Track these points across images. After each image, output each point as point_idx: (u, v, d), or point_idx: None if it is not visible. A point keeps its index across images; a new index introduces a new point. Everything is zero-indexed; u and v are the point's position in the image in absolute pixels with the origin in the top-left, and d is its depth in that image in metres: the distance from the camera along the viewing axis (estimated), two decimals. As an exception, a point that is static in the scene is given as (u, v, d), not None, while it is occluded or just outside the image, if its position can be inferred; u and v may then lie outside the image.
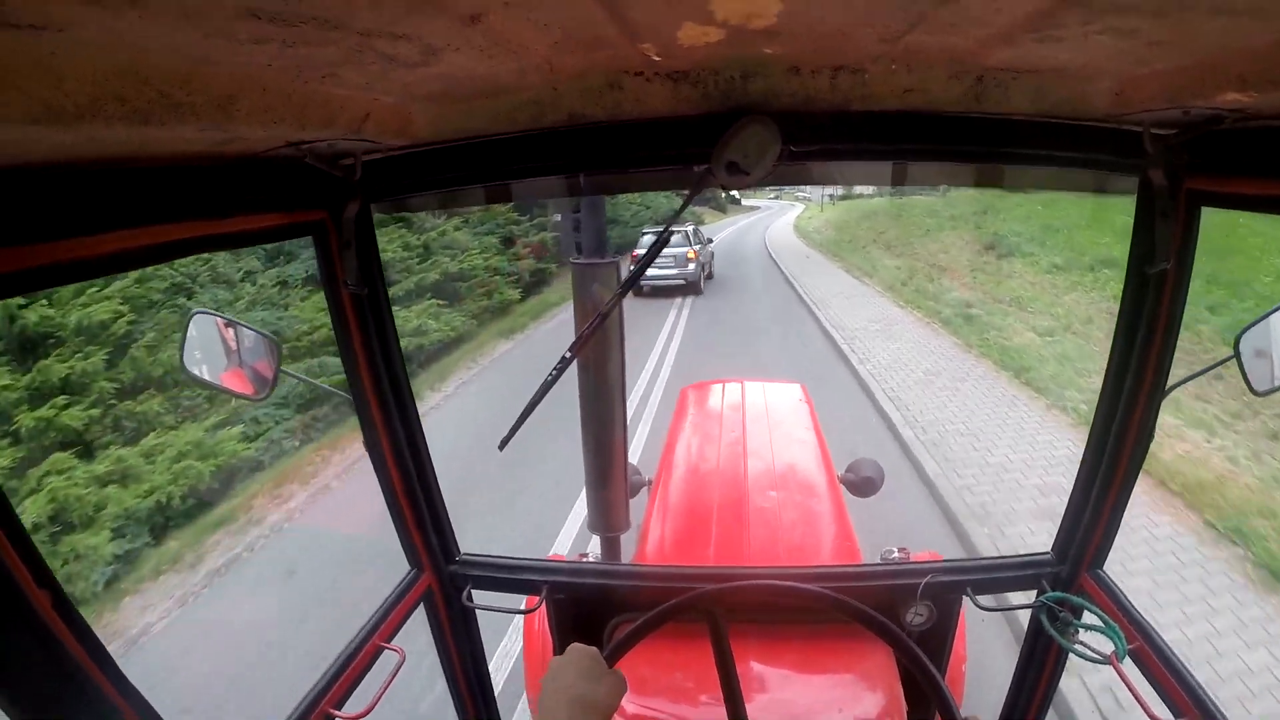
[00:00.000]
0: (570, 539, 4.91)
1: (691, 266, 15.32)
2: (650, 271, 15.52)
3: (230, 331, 1.33)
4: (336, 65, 0.63)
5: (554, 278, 16.93)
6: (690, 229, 17.00)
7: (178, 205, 0.83)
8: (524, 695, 3.02)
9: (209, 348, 1.31)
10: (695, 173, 1.02)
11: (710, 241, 18.27)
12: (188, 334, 1.30)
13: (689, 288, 15.39)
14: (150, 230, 0.80)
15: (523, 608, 1.60)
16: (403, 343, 1.36)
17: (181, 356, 1.30)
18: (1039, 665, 1.51)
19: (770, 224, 41.49)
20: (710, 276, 17.25)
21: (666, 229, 1.07)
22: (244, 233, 0.97)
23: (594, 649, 0.99)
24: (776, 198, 79.25)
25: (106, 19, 0.42)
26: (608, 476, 1.80)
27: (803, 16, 0.61)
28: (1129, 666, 1.22)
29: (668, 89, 0.85)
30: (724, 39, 0.66)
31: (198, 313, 1.32)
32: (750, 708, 1.23)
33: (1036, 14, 0.58)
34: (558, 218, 16.07)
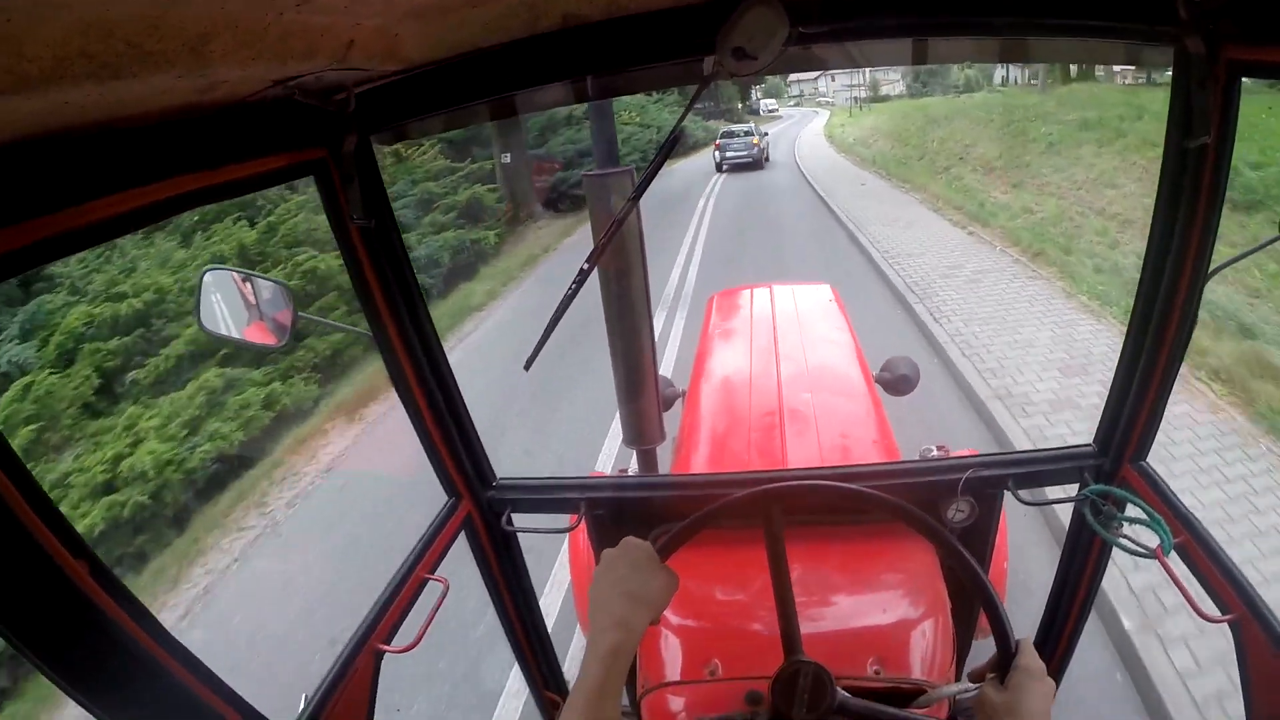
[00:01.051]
0: (611, 457, 4.97)
1: (756, 150, 22.99)
2: (728, 154, 23.53)
3: (246, 285, 1.35)
4: None
5: (512, 234, 14.63)
6: (750, 126, 26.19)
7: (169, 161, 0.83)
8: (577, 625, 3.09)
9: (226, 303, 1.33)
10: (701, 65, 0.98)
11: (766, 135, 26.42)
12: (202, 291, 1.32)
13: (755, 164, 22.81)
14: (144, 190, 0.80)
15: (564, 526, 1.62)
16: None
17: (199, 315, 1.32)
18: (1082, 560, 1.50)
19: (797, 135, 36.37)
20: (767, 159, 24.24)
21: (675, 130, 1.05)
22: (241, 180, 0.96)
23: (647, 543, 1.00)
24: (798, 104, 75.13)
25: None
26: (639, 388, 1.79)
27: None
28: (1174, 561, 1.19)
29: None
30: None
31: (210, 269, 1.34)
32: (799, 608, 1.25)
33: None
34: (506, 159, 15.44)
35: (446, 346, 1.45)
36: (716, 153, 23.37)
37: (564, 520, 1.61)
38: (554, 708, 1.86)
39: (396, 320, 1.31)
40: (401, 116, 1.15)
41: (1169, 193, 1.09)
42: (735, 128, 25.65)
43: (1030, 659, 0.98)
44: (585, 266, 1.13)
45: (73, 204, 0.72)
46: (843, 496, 1.22)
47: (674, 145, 1.07)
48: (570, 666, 2.58)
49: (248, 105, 0.88)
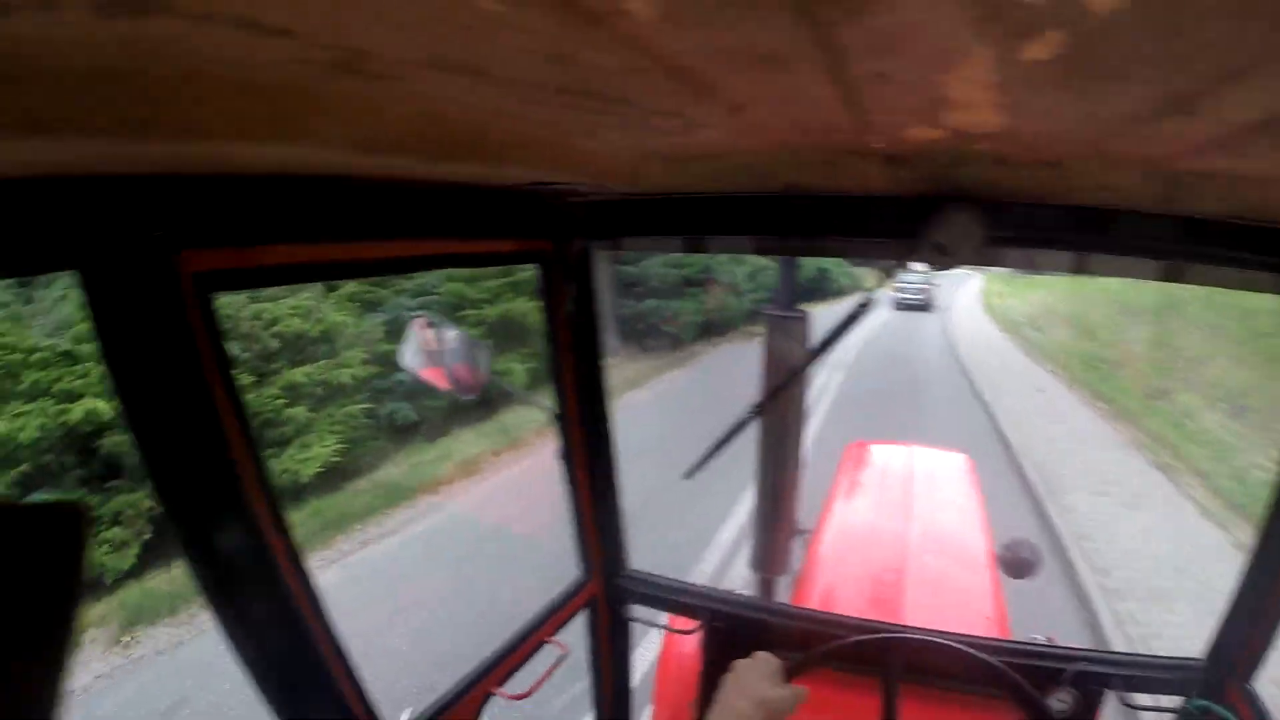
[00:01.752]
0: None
1: (926, 295, 28.06)
2: (904, 295, 28.00)
3: (450, 334, 1.49)
4: (599, 128, 0.70)
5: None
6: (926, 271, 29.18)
7: (434, 222, 0.97)
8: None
9: (429, 348, 1.48)
10: (902, 246, 1.06)
11: (938, 285, 30.54)
12: (410, 335, 1.48)
13: (925, 306, 27.79)
14: (407, 243, 0.95)
15: (685, 628, 1.65)
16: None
17: (401, 354, 1.49)
18: None
19: (950, 303, 30.30)
20: (934, 302, 28.91)
21: (867, 299, 1.14)
22: (482, 254, 1.11)
23: (777, 659, 1.03)
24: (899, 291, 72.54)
25: (433, 79, 0.50)
26: (775, 519, 1.87)
27: (1022, 128, 0.64)
28: None
29: (879, 167, 0.89)
30: (944, 138, 0.70)
31: (420, 315, 1.51)
32: None
33: (1225, 136, 0.59)
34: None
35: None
36: (895, 293, 27.71)
37: (683, 622, 1.64)
38: None
39: (579, 403, 1.43)
40: (623, 231, 1.27)
41: None
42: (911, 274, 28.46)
43: None
44: (757, 406, 1.22)
45: (361, 238, 0.87)
46: (969, 662, 1.23)
47: (865, 309, 1.15)
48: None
49: (503, 192, 1.03)
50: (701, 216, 1.17)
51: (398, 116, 0.59)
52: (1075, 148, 0.74)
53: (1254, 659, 1.31)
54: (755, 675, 0.99)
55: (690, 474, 1.25)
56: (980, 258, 1.04)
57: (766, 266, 18.16)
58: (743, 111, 0.60)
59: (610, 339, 13.90)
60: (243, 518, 0.77)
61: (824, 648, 1.19)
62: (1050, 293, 20.65)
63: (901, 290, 27.53)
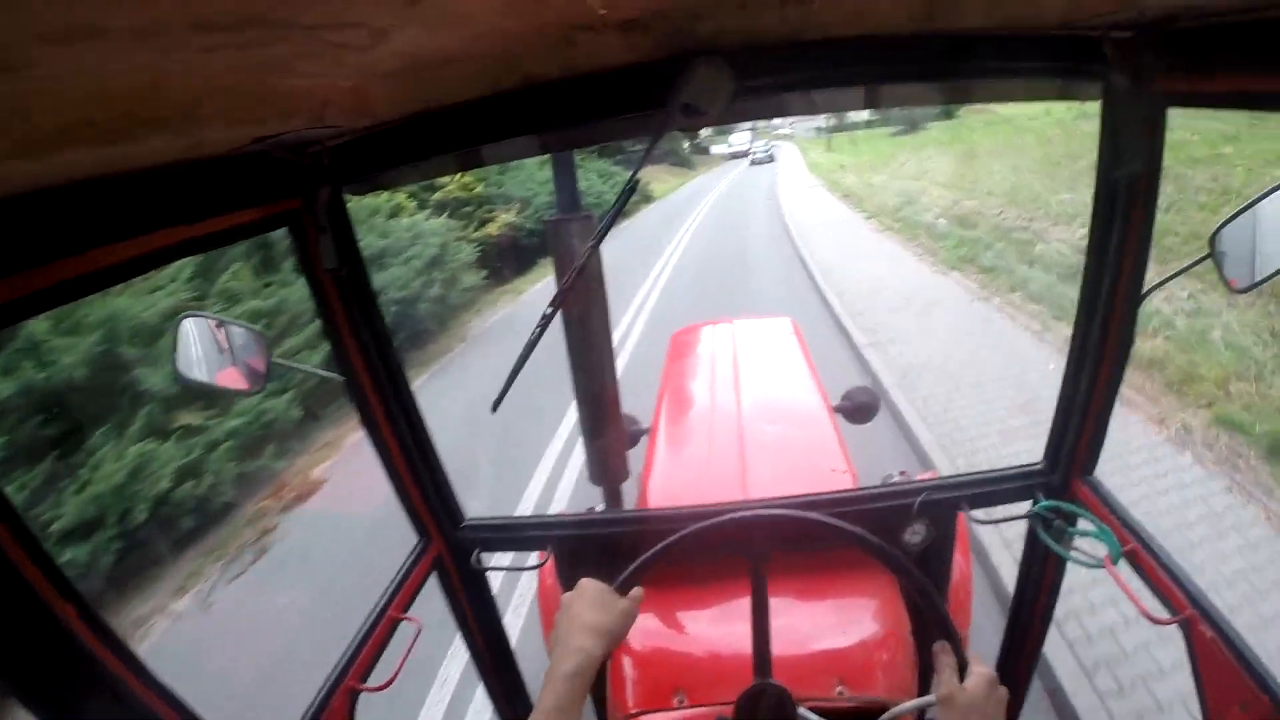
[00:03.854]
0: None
1: (770, 153, 43.76)
2: (756, 155, 47.10)
3: (220, 331, 1.36)
4: (291, 60, 0.65)
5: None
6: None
7: (155, 214, 0.87)
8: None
9: (201, 350, 1.35)
10: (654, 118, 1.03)
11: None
12: (179, 338, 1.32)
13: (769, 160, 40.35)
14: (134, 243, 0.84)
15: (532, 563, 1.65)
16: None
17: (175, 362, 1.33)
18: (1038, 576, 1.56)
19: (773, 182, 28.54)
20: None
21: (631, 180, 1.09)
22: (221, 232, 1.01)
23: (603, 584, 1.06)
24: (753, 140, 76.40)
25: (68, 53, 0.44)
26: (603, 427, 1.85)
27: None
28: (1124, 569, 1.24)
29: (619, 38, 0.85)
30: None
31: (186, 316, 1.35)
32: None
33: None
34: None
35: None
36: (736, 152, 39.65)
37: (532, 558, 1.65)
38: None
39: (367, 364, 1.35)
40: (371, 169, 1.20)
41: (1102, 220, 1.16)
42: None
43: (982, 665, 1.03)
44: (548, 310, 1.15)
45: (65, 256, 0.76)
46: (794, 524, 1.25)
47: (632, 193, 1.12)
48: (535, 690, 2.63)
49: (228, 161, 0.93)
50: (445, 132, 1.11)
51: (47, 109, 0.53)
52: None
53: (1090, 454, 1.38)
54: (581, 604, 1.01)
55: (496, 406, 1.19)
56: (738, 112, 1.02)
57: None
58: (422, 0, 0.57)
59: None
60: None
61: (642, 559, 1.18)
62: (877, 150, 26.54)
63: (737, 149, 36.76)
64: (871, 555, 1.17)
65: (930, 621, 1.12)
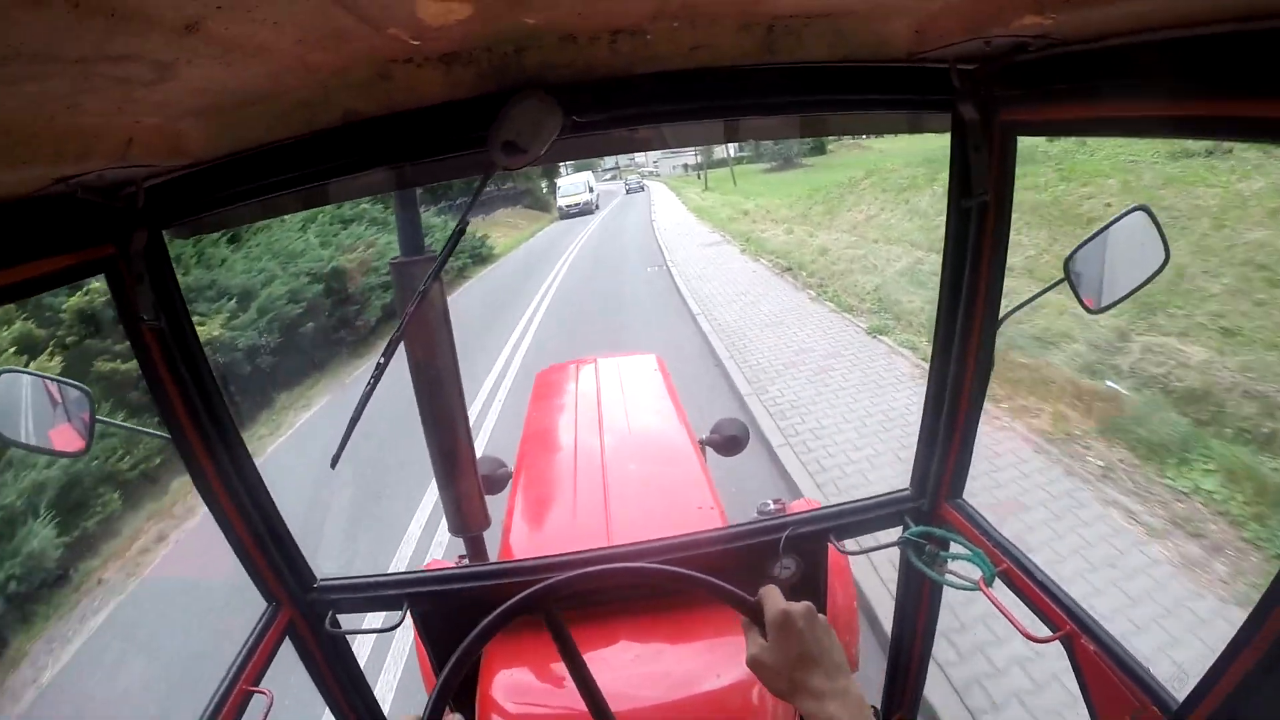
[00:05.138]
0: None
1: (591, 198, 38.47)
2: (568, 204, 39.19)
3: (44, 386, 1.28)
4: (72, 96, 0.62)
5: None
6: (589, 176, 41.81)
7: None
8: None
9: (24, 408, 1.26)
10: (476, 157, 1.00)
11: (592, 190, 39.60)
12: (4, 397, 1.24)
13: (588, 209, 37.28)
14: None
15: (390, 625, 1.54)
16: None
17: (5, 424, 1.23)
18: (915, 601, 1.56)
19: (644, 231, 23.74)
20: (597, 207, 39.54)
21: (462, 220, 1.07)
22: (27, 280, 0.93)
23: (415, 717, 1.00)
24: (614, 178, 73.11)
25: None
26: (458, 473, 1.77)
27: None
28: (999, 590, 1.24)
29: (440, 73, 0.82)
30: (475, 13, 0.64)
31: (5, 372, 1.27)
32: (627, 685, 1.29)
33: None
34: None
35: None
36: (561, 202, 38.75)
37: (391, 618, 1.55)
38: None
39: (196, 423, 1.27)
40: (191, 211, 1.14)
41: (955, 248, 1.17)
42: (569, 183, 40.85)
43: (775, 600, 0.95)
44: (382, 360, 1.12)
45: None
46: (630, 575, 1.21)
47: (463, 233, 1.09)
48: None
49: (29, 202, 0.87)
50: (266, 172, 1.05)
51: None
52: (646, 4, 0.70)
53: (956, 477, 1.38)
54: None
55: (335, 461, 1.16)
56: (566, 149, 0.99)
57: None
58: (199, 30, 0.55)
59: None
60: None
61: (444, 674, 1.04)
62: (789, 194, 21.54)
63: (565, 198, 38.34)
64: (662, 581, 1.14)
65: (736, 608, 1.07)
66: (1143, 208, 1.19)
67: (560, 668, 1.53)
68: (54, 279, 0.98)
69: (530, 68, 0.86)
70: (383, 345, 1.17)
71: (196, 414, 1.26)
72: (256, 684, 1.35)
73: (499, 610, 1.07)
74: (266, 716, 1.30)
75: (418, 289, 1.52)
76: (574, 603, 1.24)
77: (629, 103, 0.97)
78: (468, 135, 0.97)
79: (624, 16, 0.76)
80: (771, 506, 2.29)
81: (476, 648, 1.06)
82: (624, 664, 1.46)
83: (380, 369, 1.12)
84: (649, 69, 0.91)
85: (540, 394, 3.34)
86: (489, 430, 6.88)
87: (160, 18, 0.51)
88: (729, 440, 3.02)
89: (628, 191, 54.50)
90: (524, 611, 1.08)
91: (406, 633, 3.51)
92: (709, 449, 2.98)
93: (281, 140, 1.01)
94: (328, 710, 1.67)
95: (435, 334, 1.64)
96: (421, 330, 1.61)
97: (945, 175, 1.14)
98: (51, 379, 1.30)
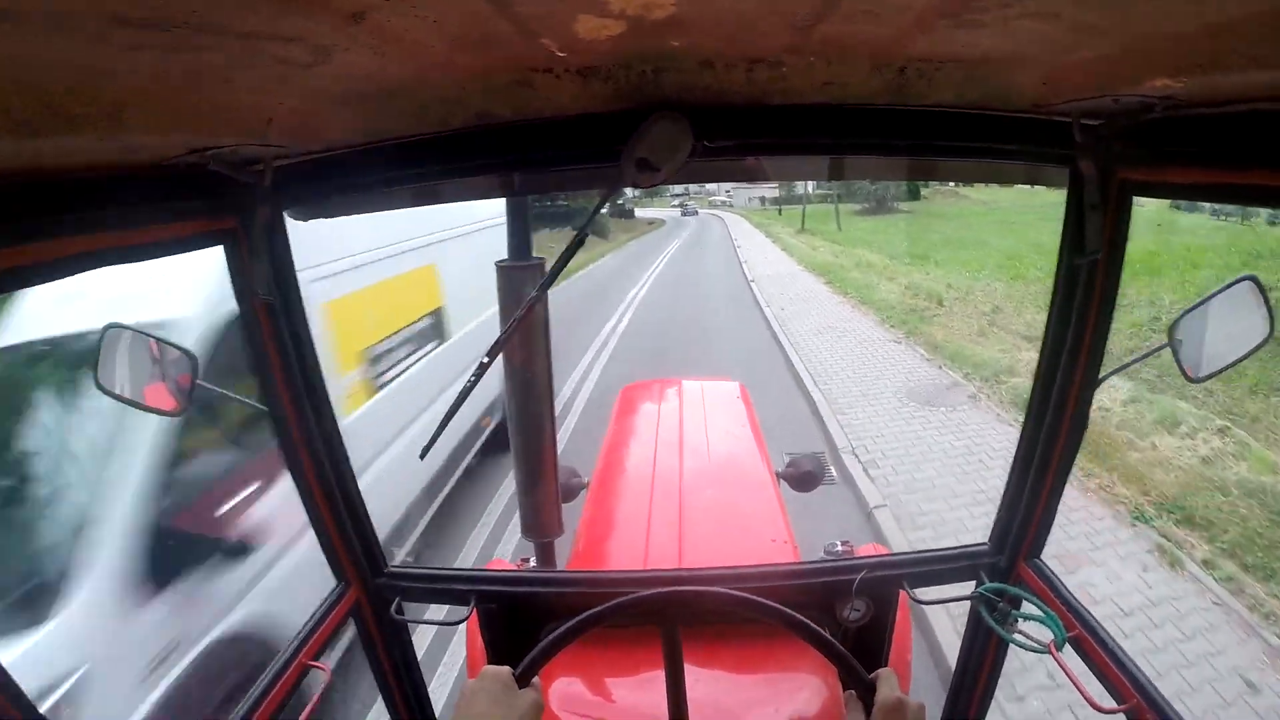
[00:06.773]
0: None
1: (692, 205, 74.39)
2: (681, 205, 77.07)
3: (147, 344, 1.31)
4: (227, 70, 0.63)
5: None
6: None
7: (82, 218, 0.83)
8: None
9: (127, 363, 1.29)
10: (608, 171, 1.01)
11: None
12: (103, 350, 1.27)
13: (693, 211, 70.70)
14: (50, 244, 0.81)
15: (455, 619, 1.57)
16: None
17: (96, 374, 1.27)
18: (979, 657, 1.54)
19: (734, 282, 18.65)
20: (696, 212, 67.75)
21: (582, 231, 1.09)
22: (150, 244, 0.97)
23: (506, 670, 1.02)
24: (681, 205, 77.10)
25: None
26: (538, 480, 1.81)
27: (702, 4, 0.60)
28: (1069, 655, 1.23)
29: (578, 85, 0.84)
30: (626, 31, 0.65)
31: (111, 327, 1.29)
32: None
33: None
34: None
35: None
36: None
37: (456, 612, 1.57)
38: None
39: (294, 399, 1.30)
40: (316, 194, 1.18)
41: (1062, 305, 1.17)
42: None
43: (890, 688, 1.00)
44: (485, 359, 1.13)
45: None
46: (717, 600, 1.21)
47: (581, 243, 1.11)
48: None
49: (163, 169, 0.90)
50: (395, 165, 1.09)
51: None
52: (784, 37, 0.71)
53: (1038, 537, 1.37)
54: (483, 701, 0.97)
55: (424, 453, 1.19)
56: (693, 172, 1.00)
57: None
58: (365, 20, 0.56)
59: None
60: None
61: (545, 642, 1.11)
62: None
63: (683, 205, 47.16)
64: (787, 629, 1.15)
65: (843, 675, 1.10)
66: (1250, 278, 1.17)
67: (616, 683, 1.62)
68: (178, 245, 1.03)
69: (666, 88, 0.88)
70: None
71: (296, 390, 1.30)
72: (316, 659, 1.38)
73: (618, 601, 1.13)
74: (323, 694, 1.34)
75: (522, 293, 1.55)
76: (669, 620, 1.26)
77: (758, 131, 0.99)
78: (599, 149, 0.99)
79: (764, 48, 0.76)
80: (839, 548, 2.30)
81: (586, 628, 1.11)
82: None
83: (482, 369, 1.14)
84: (780, 100, 0.93)
85: (624, 410, 3.39)
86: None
87: (332, 3, 0.52)
88: (804, 475, 3.00)
89: (683, 214, 62.29)
90: (646, 612, 1.13)
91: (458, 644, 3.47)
92: (783, 482, 2.96)
93: (414, 135, 1.03)
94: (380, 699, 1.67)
95: (534, 341, 1.67)
96: (521, 335, 1.64)
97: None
98: (156, 338, 1.32)
